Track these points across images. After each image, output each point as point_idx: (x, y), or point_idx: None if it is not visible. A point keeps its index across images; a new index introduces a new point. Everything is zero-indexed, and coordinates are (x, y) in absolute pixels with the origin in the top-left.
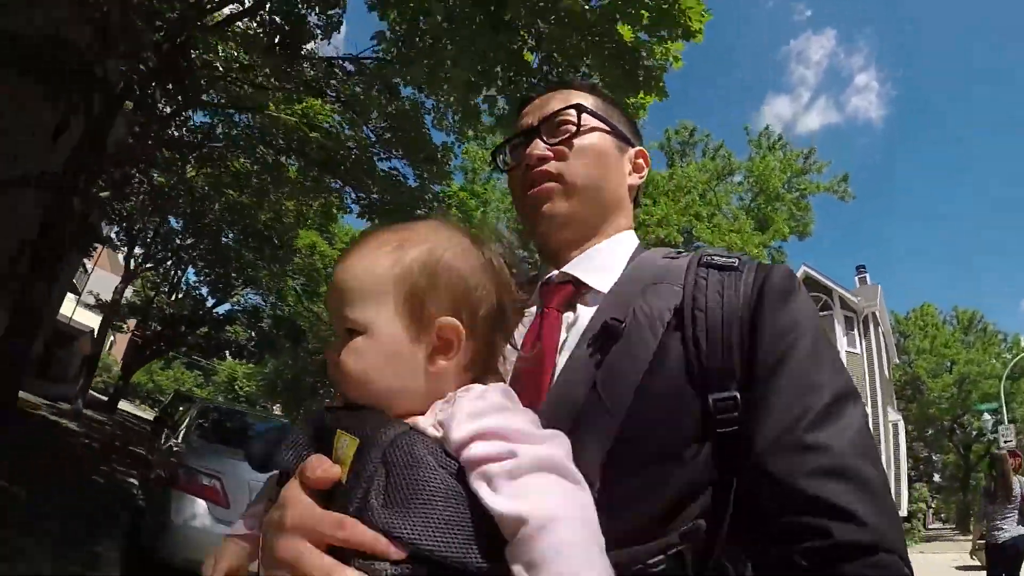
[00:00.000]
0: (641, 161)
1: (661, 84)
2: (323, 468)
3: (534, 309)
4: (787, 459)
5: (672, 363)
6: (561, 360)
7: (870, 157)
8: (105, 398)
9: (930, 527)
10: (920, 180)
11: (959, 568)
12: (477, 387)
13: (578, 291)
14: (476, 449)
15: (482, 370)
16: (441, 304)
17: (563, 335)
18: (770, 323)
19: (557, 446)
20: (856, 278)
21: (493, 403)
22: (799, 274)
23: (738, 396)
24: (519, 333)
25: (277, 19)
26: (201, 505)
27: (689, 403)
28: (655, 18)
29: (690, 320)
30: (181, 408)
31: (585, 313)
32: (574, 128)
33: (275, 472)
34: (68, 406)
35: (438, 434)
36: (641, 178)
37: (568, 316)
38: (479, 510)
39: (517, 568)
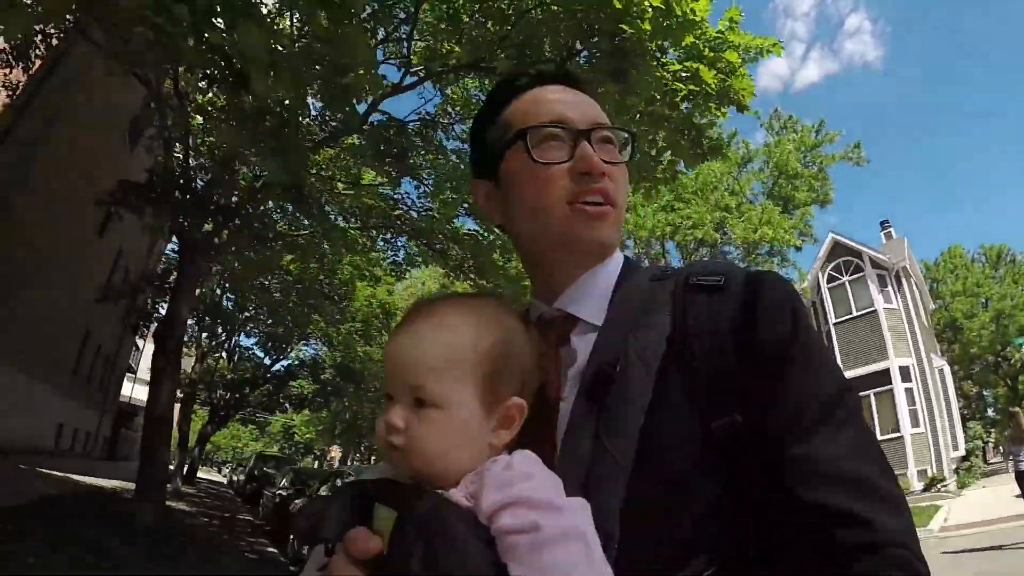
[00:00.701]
0: None
1: (725, 150)
2: (364, 540)
3: None
4: (785, 473)
5: (671, 397)
6: (563, 403)
7: (873, 98)
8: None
9: (991, 461)
10: (926, 116)
11: (1016, 496)
12: (504, 457)
13: (571, 325)
14: (503, 520)
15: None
16: (510, 384)
17: (562, 372)
18: (758, 339)
19: (579, 514)
20: (882, 234)
21: (519, 472)
22: (827, 243)
23: (739, 419)
24: None
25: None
26: None
27: (693, 433)
28: (720, 106)
29: (683, 349)
30: (269, 470)
31: (581, 349)
32: (624, 156)
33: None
34: (169, 487)
35: (469, 504)
36: None
37: (565, 352)
38: None
39: None
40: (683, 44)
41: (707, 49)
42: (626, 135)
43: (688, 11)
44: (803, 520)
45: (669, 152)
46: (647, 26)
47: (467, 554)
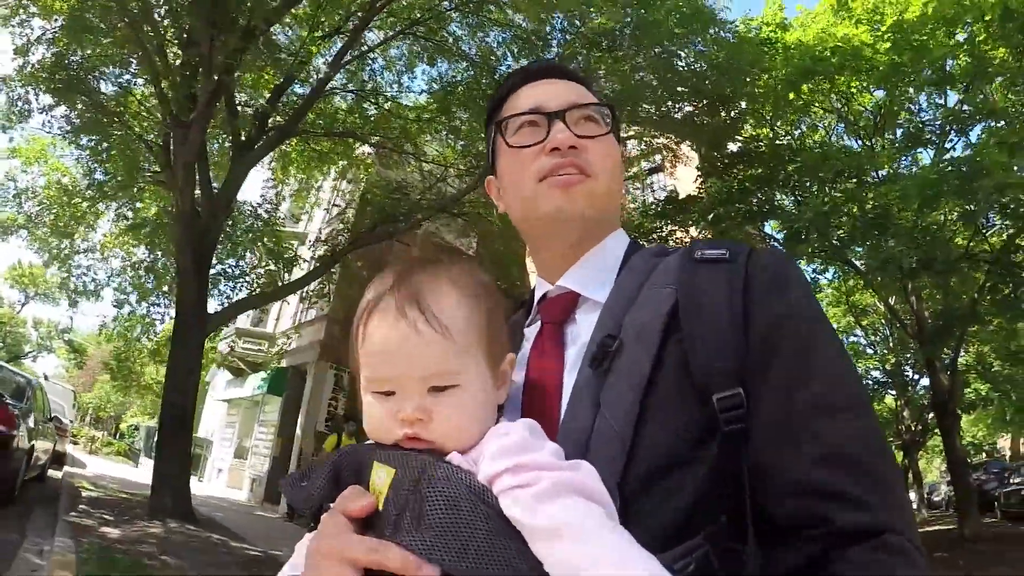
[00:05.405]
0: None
1: None
2: (358, 498)
3: (536, 326)
4: (787, 449)
5: (672, 369)
6: (568, 379)
7: None
8: None
9: None
10: None
11: None
12: (504, 424)
13: (576, 302)
14: (505, 481)
15: None
16: (504, 341)
17: (568, 350)
18: (763, 315)
19: (581, 472)
20: None
21: (519, 440)
22: None
23: (742, 392)
24: (523, 352)
25: None
26: None
27: (694, 406)
28: None
29: (686, 321)
30: None
31: (585, 325)
32: (604, 129)
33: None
34: None
35: (471, 468)
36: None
37: (570, 330)
38: (512, 536)
39: None
40: None
41: None
42: (606, 109)
43: None
44: (801, 496)
45: None
46: None
47: (460, 511)
